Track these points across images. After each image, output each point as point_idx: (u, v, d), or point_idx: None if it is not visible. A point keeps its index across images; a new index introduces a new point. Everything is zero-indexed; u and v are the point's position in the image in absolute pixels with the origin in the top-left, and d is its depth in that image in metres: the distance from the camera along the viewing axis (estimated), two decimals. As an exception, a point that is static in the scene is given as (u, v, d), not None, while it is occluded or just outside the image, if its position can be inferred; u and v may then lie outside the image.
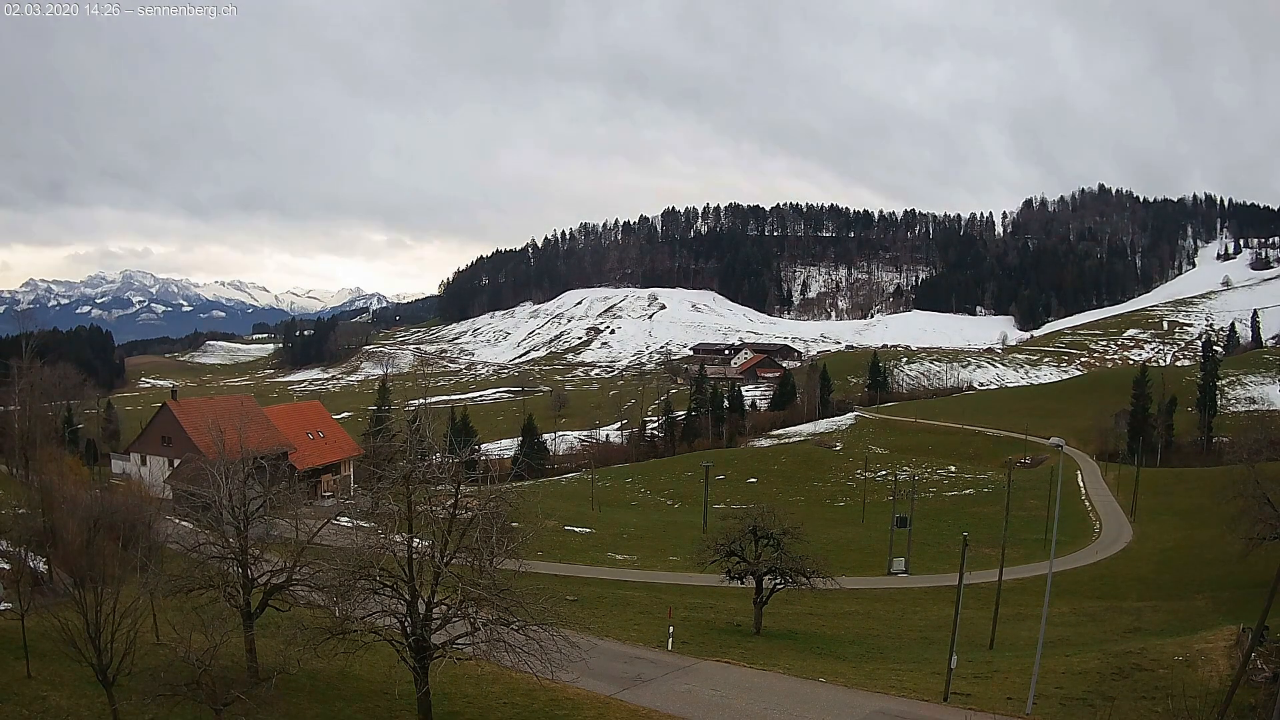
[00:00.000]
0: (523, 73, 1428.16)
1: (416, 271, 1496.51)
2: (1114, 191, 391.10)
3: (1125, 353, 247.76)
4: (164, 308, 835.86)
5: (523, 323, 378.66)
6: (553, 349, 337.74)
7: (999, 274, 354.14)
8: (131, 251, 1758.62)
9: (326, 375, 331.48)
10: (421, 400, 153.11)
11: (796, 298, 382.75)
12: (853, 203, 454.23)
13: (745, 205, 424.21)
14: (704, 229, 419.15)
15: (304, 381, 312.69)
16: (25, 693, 21.77)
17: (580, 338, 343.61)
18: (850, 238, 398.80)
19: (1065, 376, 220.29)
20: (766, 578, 38.26)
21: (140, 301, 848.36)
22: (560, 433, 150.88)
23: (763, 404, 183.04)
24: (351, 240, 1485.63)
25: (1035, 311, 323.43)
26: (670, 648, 31.75)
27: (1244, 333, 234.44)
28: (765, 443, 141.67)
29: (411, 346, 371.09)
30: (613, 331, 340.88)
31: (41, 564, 32.95)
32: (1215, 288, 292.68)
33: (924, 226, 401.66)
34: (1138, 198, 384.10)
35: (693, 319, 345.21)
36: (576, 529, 72.73)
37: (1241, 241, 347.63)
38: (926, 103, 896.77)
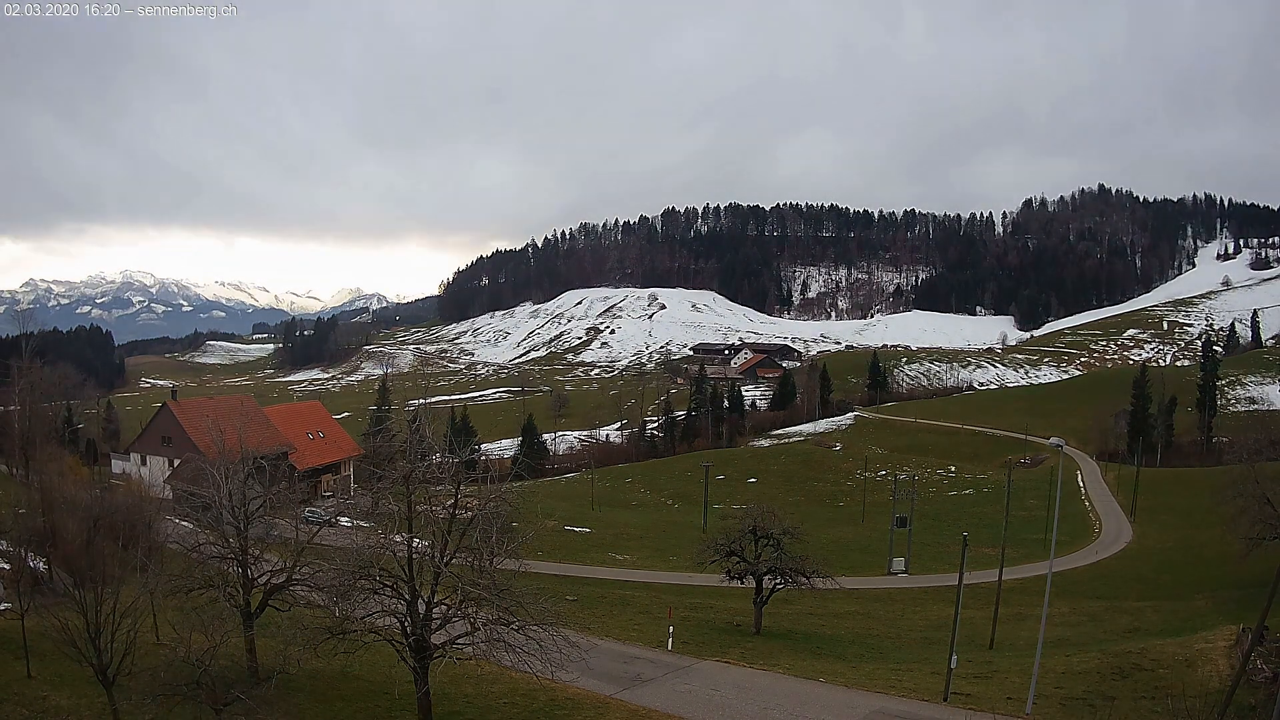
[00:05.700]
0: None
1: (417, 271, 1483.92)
2: (1114, 191, 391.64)
3: (1125, 353, 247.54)
4: (164, 308, 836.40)
5: (523, 323, 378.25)
6: (553, 349, 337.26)
7: (999, 274, 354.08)
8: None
9: (326, 375, 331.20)
10: (421, 400, 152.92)
11: (796, 298, 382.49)
12: (853, 202, 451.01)
13: (745, 205, 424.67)
14: (704, 229, 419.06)
15: (304, 382, 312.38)
16: (25, 693, 21.77)
17: (580, 338, 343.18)
18: (850, 238, 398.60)
19: (1065, 376, 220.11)
20: (766, 578, 38.26)
21: (140, 301, 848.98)
22: (560, 433, 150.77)
23: (762, 404, 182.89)
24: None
25: (1035, 311, 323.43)
26: (670, 648, 31.75)
27: (1244, 333, 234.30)
28: (765, 443, 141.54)
29: (411, 346, 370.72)
30: (612, 331, 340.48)
31: (41, 564, 32.96)
32: (1215, 288, 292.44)
33: (924, 226, 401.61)
34: (1138, 198, 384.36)
35: (693, 319, 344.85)
36: (576, 529, 72.70)
37: (1241, 241, 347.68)
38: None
